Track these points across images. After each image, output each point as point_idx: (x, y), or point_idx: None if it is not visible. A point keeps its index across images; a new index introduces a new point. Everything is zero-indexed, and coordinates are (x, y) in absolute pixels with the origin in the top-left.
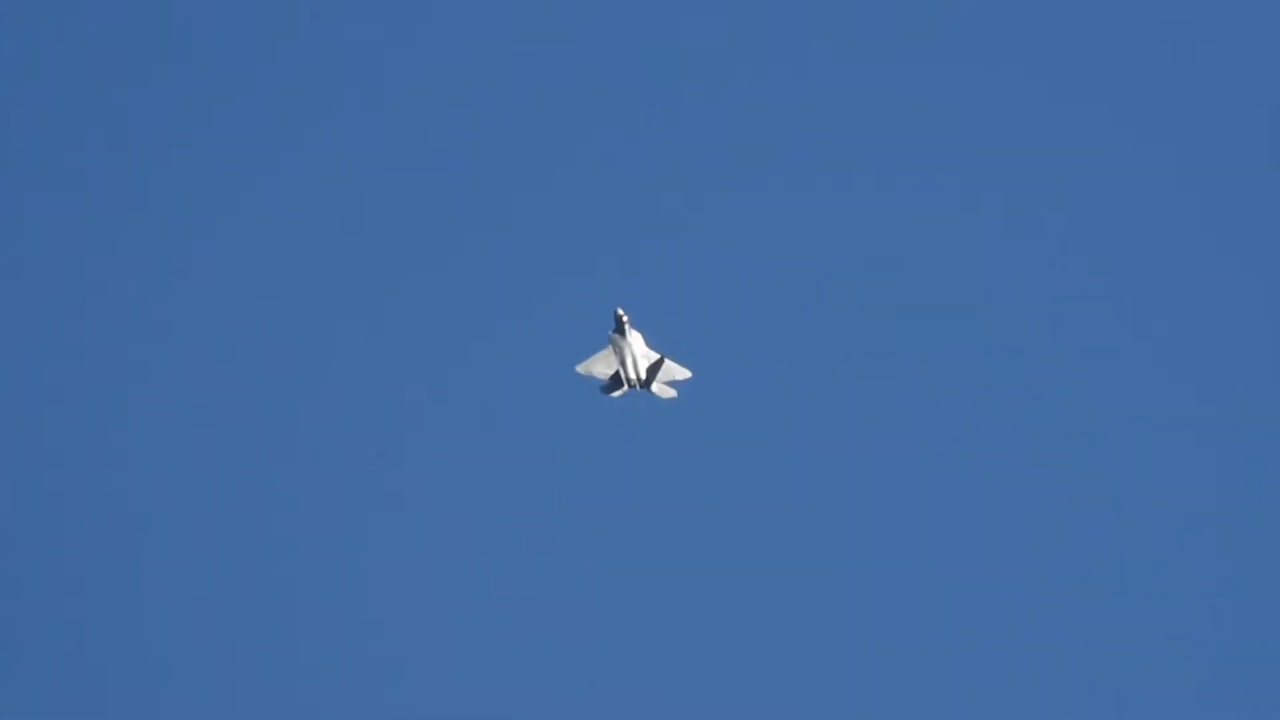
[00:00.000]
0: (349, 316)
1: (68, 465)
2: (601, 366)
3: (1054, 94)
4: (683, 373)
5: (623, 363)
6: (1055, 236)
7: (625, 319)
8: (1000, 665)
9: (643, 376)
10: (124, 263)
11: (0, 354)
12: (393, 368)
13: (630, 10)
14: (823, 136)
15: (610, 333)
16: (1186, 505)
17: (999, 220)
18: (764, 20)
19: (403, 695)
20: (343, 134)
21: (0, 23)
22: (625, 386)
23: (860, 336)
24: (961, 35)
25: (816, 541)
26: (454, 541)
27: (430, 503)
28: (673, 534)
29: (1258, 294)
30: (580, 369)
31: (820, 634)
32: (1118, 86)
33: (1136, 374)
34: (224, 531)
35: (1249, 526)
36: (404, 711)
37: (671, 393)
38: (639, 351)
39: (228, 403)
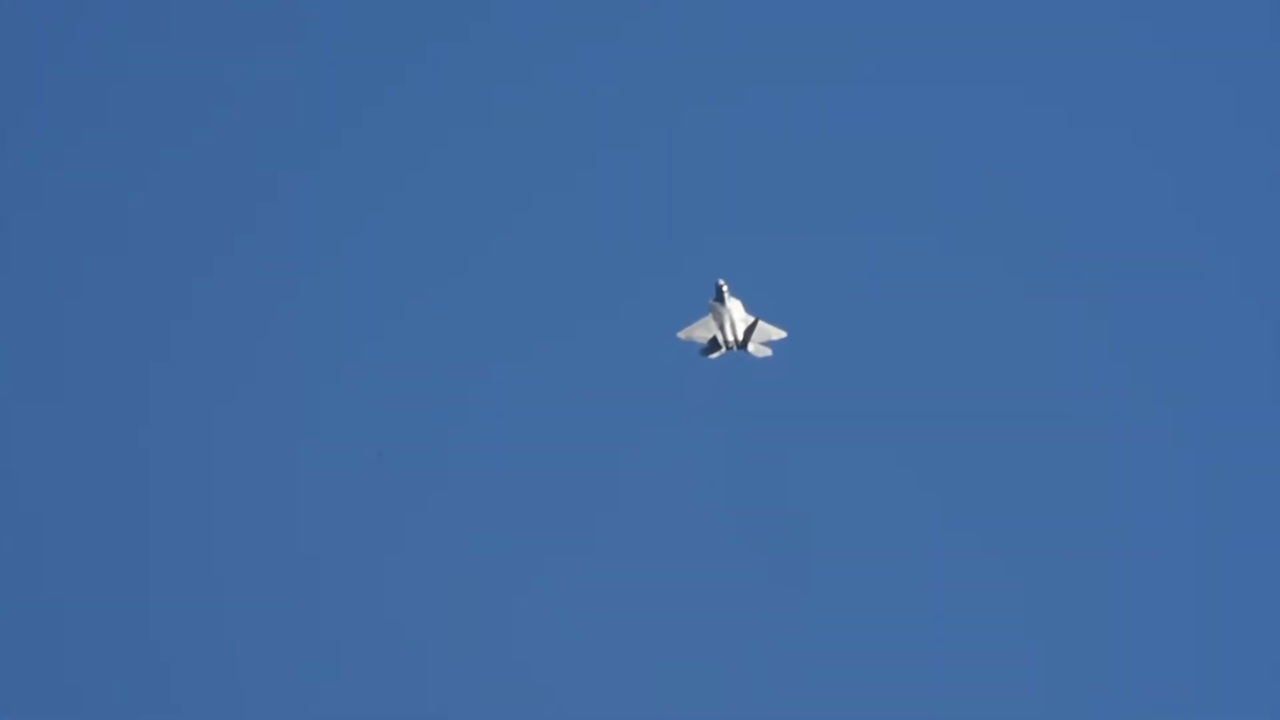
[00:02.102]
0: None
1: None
2: (701, 331)
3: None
4: (778, 333)
5: (721, 328)
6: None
7: (725, 288)
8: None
9: (740, 339)
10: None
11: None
12: (516, 342)
13: None
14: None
15: (711, 300)
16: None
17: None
18: None
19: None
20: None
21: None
22: (723, 349)
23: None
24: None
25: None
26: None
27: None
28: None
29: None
30: (682, 335)
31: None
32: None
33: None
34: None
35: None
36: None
37: (767, 352)
38: (737, 316)
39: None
